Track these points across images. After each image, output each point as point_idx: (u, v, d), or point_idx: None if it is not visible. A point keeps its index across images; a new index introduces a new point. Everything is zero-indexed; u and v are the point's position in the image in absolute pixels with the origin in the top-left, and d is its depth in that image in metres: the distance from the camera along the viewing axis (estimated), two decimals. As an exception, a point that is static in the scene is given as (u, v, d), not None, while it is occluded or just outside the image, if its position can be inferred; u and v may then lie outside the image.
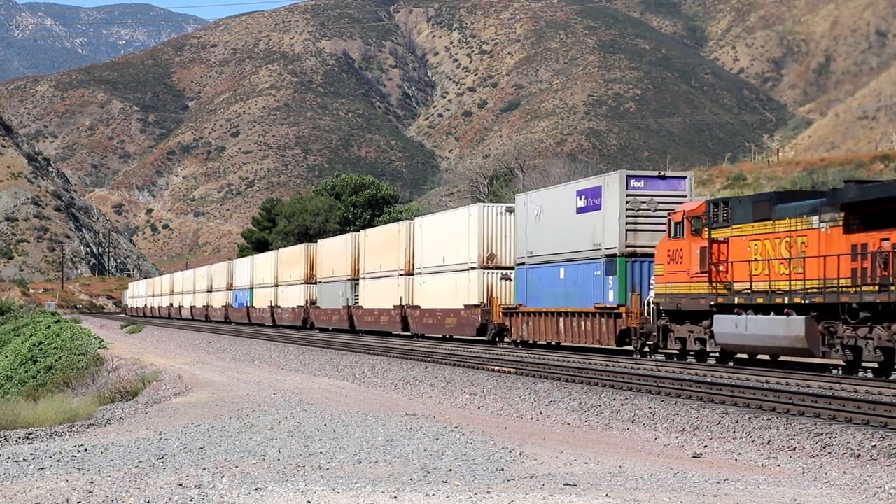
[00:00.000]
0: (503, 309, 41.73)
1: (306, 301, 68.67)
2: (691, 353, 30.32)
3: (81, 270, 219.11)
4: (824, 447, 15.54)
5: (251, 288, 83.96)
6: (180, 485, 12.11)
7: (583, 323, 35.59)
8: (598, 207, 35.16)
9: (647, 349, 32.40)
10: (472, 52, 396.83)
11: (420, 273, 49.99)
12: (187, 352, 49.25)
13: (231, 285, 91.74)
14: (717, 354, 29.03)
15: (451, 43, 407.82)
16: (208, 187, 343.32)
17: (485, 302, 42.90)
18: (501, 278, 42.87)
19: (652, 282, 32.07)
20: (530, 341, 39.95)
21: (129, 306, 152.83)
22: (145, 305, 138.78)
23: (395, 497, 11.24)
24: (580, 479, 12.69)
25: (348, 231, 78.94)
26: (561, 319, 36.96)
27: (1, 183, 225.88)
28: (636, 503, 11.10)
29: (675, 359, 30.69)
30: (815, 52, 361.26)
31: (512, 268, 42.08)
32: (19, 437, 19.67)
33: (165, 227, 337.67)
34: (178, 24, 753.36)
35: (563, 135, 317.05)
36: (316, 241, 72.03)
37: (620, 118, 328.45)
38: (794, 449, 15.82)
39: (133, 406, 26.22)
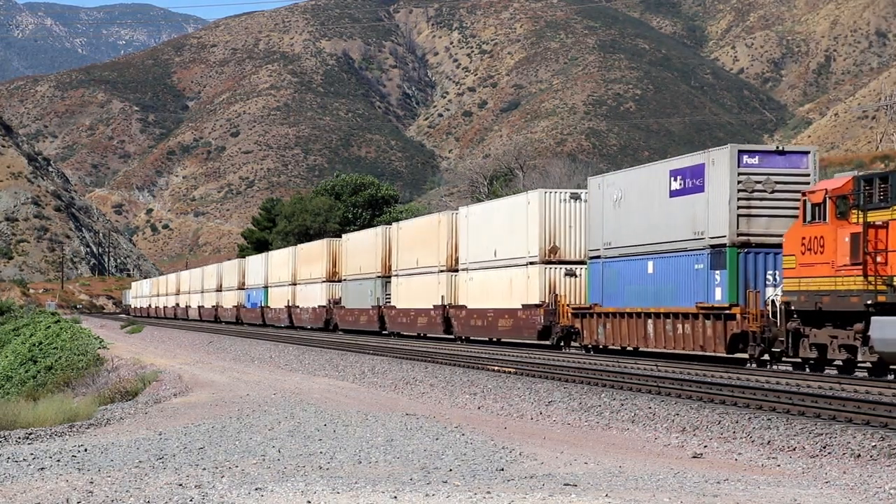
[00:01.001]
0: (573, 309, 36.78)
1: (329, 301, 63.97)
2: (833, 362, 25.57)
3: (81, 270, 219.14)
4: (824, 447, 15.54)
5: (265, 287, 79.37)
6: (180, 485, 12.11)
7: (679, 326, 30.36)
8: (699, 189, 30.08)
9: (767, 357, 27.72)
10: (472, 52, 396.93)
11: (466, 269, 45.17)
12: (187, 352, 49.25)
13: (243, 284, 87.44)
14: (871, 365, 24.53)
15: (451, 43, 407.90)
16: (208, 187, 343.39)
17: (548, 301, 37.97)
18: (566, 274, 38.15)
19: (770, 277, 28.05)
20: (608, 346, 34.90)
21: (133, 306, 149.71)
22: (149, 305, 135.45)
23: (395, 497, 11.24)
24: (580, 479, 12.69)
25: (350, 230, 78.89)
26: (650, 322, 31.85)
27: (1, 183, 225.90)
28: (636, 503, 11.10)
29: (808, 369, 25.93)
30: (815, 52, 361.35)
31: (577, 262, 37.85)
32: (19, 437, 19.67)
33: (165, 227, 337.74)
34: (178, 24, 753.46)
35: (563, 135, 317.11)
36: (340, 236, 67.30)
37: (620, 118, 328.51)
38: (794, 449, 15.82)
39: (133, 406, 26.22)
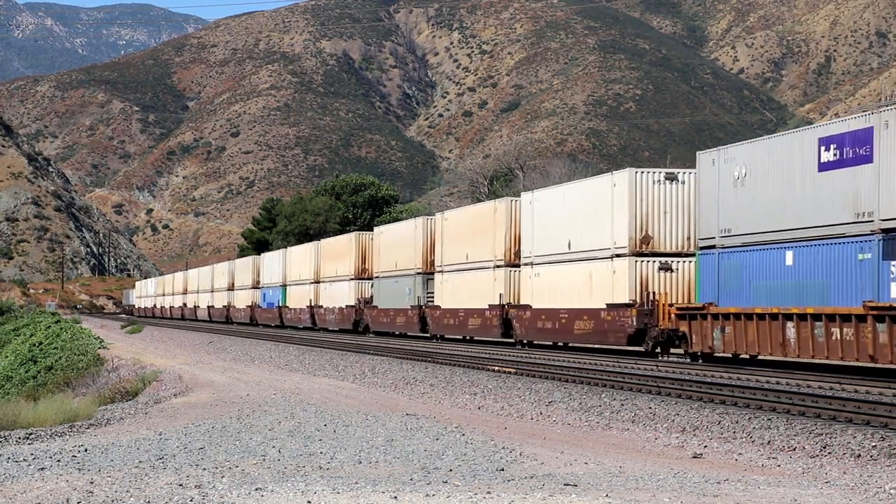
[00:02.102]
0: (677, 310, 31.04)
1: (358, 300, 58.79)
2: None
3: (81, 270, 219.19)
4: (824, 447, 15.54)
5: (283, 285, 74.41)
6: (180, 485, 12.11)
7: (836, 331, 24.57)
8: (864, 159, 24.62)
9: None
10: (472, 52, 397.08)
11: (530, 263, 39.66)
12: (187, 352, 49.25)
13: (258, 283, 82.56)
14: None
15: (452, 43, 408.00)
16: (208, 187, 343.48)
17: (641, 300, 32.66)
18: (660, 268, 32.84)
19: None
20: (727, 354, 29.22)
21: (136, 306, 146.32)
22: (154, 305, 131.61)
23: (396, 497, 11.25)
24: (580, 479, 12.69)
25: (350, 230, 78.74)
26: (789, 326, 26.05)
27: (1, 183, 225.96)
28: (636, 503, 11.10)
29: None
30: (816, 52, 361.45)
31: (673, 254, 32.89)
32: (19, 438, 19.67)
33: (165, 227, 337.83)
34: (179, 24, 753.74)
35: (563, 135, 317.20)
36: (371, 229, 62.52)
37: (620, 118, 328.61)
38: (795, 449, 15.83)
39: (133, 406, 26.22)
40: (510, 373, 28.46)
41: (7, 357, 54.49)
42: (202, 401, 24.57)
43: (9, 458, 14.81)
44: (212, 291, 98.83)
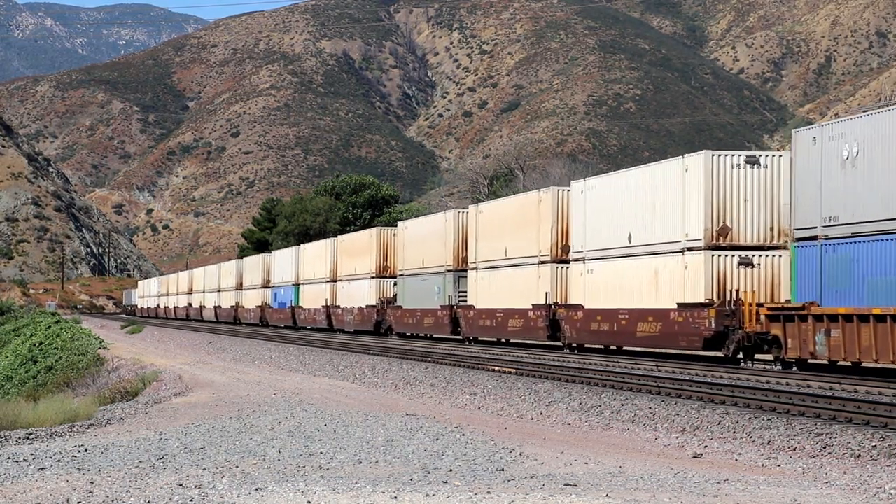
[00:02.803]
0: (768, 310, 27.46)
1: (380, 300, 55.37)
2: None
3: (81, 271, 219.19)
4: (824, 447, 15.55)
5: (297, 284, 70.97)
6: (180, 485, 12.11)
7: None
8: None
9: None
10: (473, 52, 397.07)
11: (581, 258, 36.06)
12: (187, 352, 49.25)
13: (268, 282, 79.03)
14: None
15: (452, 43, 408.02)
16: (208, 187, 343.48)
17: (720, 299, 29.15)
18: (740, 263, 29.39)
19: None
20: (832, 362, 25.49)
21: (139, 307, 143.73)
22: (157, 305, 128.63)
23: (396, 497, 11.24)
24: (580, 479, 12.69)
25: (350, 230, 78.47)
26: None
27: (1, 183, 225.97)
28: (636, 503, 11.10)
29: None
30: (816, 52, 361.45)
31: (754, 247, 29.41)
32: (20, 438, 19.67)
33: (165, 227, 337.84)
34: (179, 24, 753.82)
35: (563, 135, 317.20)
36: (395, 224, 58.79)
37: (620, 118, 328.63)
38: (795, 449, 15.83)
39: (133, 406, 26.21)
40: (510, 373, 28.46)
41: (7, 357, 54.50)
42: (202, 401, 24.56)
43: (9, 458, 14.81)
44: (218, 291, 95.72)
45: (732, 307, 28.72)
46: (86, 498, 11.43)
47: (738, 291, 28.93)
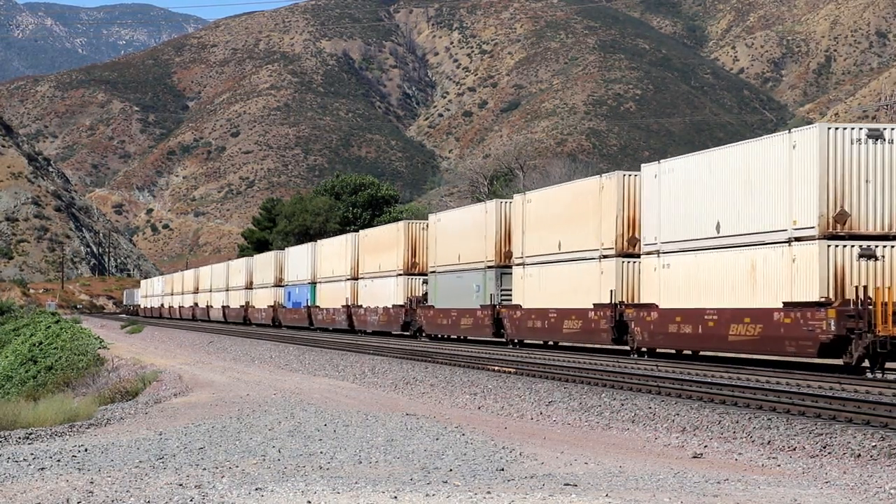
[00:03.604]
0: None
1: (409, 299, 51.59)
2: None
3: (81, 270, 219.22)
4: (824, 447, 15.55)
5: (313, 283, 67.41)
6: (180, 485, 12.11)
7: None
8: None
9: None
10: (473, 52, 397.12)
11: (655, 251, 31.90)
12: (187, 352, 49.24)
13: (281, 280, 75.56)
14: None
15: (452, 43, 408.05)
16: (208, 187, 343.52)
17: (840, 297, 25.11)
18: (861, 255, 25.37)
19: None
20: None
21: (142, 306, 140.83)
22: (162, 305, 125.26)
23: (396, 497, 11.24)
24: (580, 479, 12.69)
25: (350, 230, 78.26)
26: None
27: (1, 183, 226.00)
28: (636, 503, 11.10)
29: None
30: (816, 52, 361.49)
31: (879, 237, 25.50)
32: (19, 437, 19.66)
33: (165, 227, 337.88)
34: (179, 24, 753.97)
35: (563, 135, 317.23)
36: (427, 218, 54.02)
37: (620, 118, 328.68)
38: (795, 449, 15.83)
39: (133, 406, 26.21)
40: (510, 373, 28.46)
41: (7, 357, 54.49)
42: (202, 401, 24.56)
43: (9, 458, 14.81)
44: (227, 290, 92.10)
45: (860, 307, 24.36)
46: (86, 498, 11.43)
47: (865, 288, 24.65)
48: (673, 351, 33.02)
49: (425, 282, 50.74)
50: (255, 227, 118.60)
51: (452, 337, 48.89)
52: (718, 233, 29.17)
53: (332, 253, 64.58)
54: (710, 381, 23.78)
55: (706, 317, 29.10)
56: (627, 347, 33.47)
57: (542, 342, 41.03)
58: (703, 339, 29.59)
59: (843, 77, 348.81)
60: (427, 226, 51.62)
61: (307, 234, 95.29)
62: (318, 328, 66.08)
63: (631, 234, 33.88)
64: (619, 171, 35.46)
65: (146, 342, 61.46)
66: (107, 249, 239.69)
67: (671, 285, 31.20)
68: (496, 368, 29.61)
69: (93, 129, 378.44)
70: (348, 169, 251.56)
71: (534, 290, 39.29)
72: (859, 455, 14.86)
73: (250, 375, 32.60)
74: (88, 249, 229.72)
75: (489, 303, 42.68)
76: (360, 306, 58.18)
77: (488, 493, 11.48)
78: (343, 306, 60.64)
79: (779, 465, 14.64)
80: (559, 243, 37.62)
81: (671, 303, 30.99)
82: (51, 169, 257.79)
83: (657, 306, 31.60)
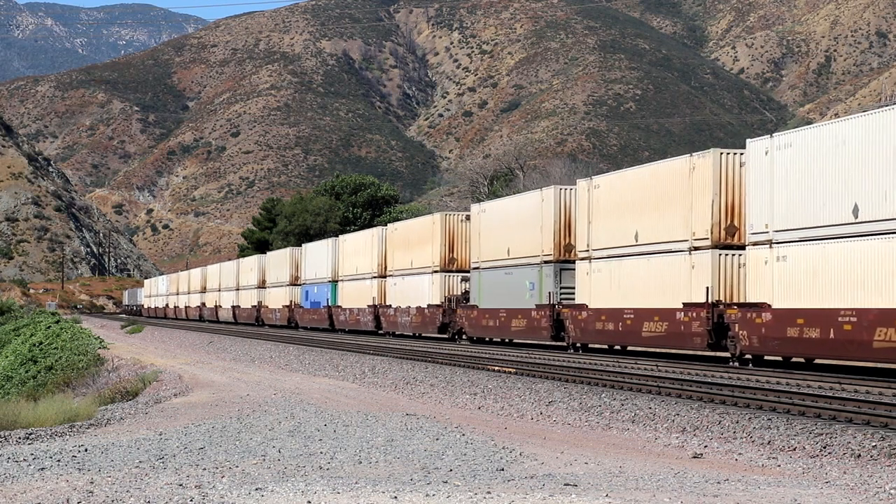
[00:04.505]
0: None
1: (447, 298, 47.50)
2: None
3: (82, 270, 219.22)
4: (824, 447, 15.55)
5: (333, 281, 63.27)
6: (180, 485, 12.11)
7: None
8: None
9: None
10: (473, 52, 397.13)
11: (766, 242, 27.30)
12: (187, 352, 49.25)
13: (297, 279, 71.59)
14: None
15: (452, 43, 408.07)
16: (208, 187, 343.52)
17: None
18: None
19: None
20: None
21: (146, 306, 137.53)
22: (166, 305, 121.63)
23: (396, 497, 11.24)
24: (580, 479, 12.69)
25: (350, 230, 78.03)
26: None
27: (1, 183, 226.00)
28: (636, 503, 11.10)
29: None
30: (816, 52, 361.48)
31: None
32: (19, 438, 19.66)
33: (166, 227, 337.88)
34: (179, 24, 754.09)
35: (563, 135, 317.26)
36: (469, 208, 49.38)
37: (620, 118, 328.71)
38: (795, 449, 15.83)
39: (133, 406, 26.20)
40: (510, 373, 28.46)
41: (7, 357, 54.49)
42: (202, 401, 24.56)
43: (9, 458, 14.81)
44: (237, 289, 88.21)
45: None
46: (86, 498, 11.43)
47: None
48: (797, 359, 28.82)
49: (464, 279, 47.05)
50: (255, 227, 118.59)
51: (499, 340, 44.77)
52: (856, 218, 24.57)
53: (356, 249, 60.31)
54: (710, 381, 23.79)
55: (841, 319, 24.43)
56: (727, 354, 29.29)
57: (612, 347, 36.86)
58: (836, 345, 24.76)
59: (843, 77, 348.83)
60: (466, 218, 47.49)
61: (307, 234, 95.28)
62: (339, 330, 62.41)
63: (729, 222, 29.61)
64: (714, 148, 30.82)
65: (146, 342, 61.46)
66: (107, 249, 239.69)
67: (789, 281, 26.59)
68: (496, 368, 29.61)
69: (93, 129, 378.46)
70: (348, 169, 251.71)
71: (603, 287, 34.93)
72: (859, 455, 14.86)
73: (250, 375, 32.60)
74: (88, 249, 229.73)
75: (547, 302, 38.16)
76: (389, 306, 54.13)
77: (488, 493, 11.47)
78: (369, 306, 56.64)
79: (779, 465, 14.64)
80: (636, 234, 33.17)
81: (789, 302, 26.45)
82: (51, 169, 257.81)
83: (769, 306, 26.98)
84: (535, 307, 39.01)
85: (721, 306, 29.15)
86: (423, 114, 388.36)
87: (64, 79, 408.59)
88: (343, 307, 61.28)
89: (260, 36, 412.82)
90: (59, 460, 14.52)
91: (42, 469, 13.70)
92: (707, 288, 29.45)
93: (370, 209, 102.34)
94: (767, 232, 27.35)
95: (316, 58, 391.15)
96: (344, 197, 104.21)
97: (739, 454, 15.71)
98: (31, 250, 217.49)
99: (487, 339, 45.24)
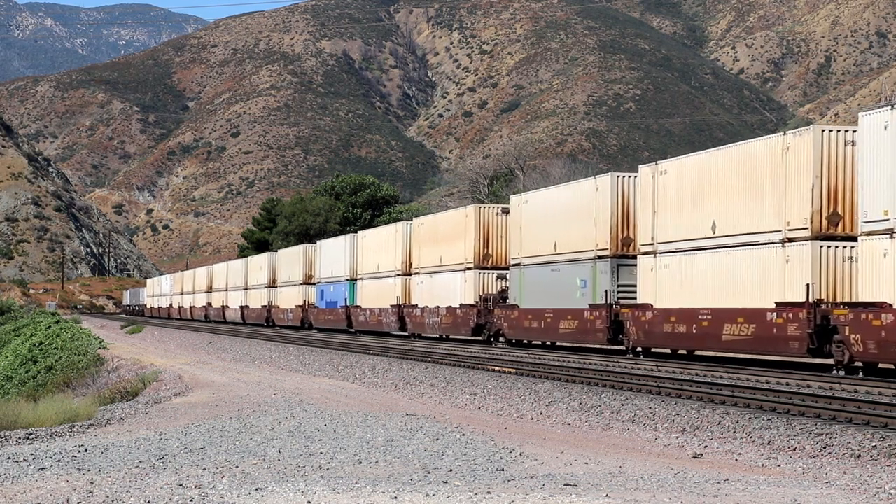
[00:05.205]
0: None
1: (483, 297, 44.04)
2: None
3: (81, 271, 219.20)
4: (824, 447, 15.55)
5: (352, 280, 60.25)
6: (180, 485, 12.11)
7: None
8: None
9: None
10: (473, 52, 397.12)
11: (887, 231, 23.63)
12: (187, 352, 49.25)
13: (311, 277, 68.71)
14: None
15: (452, 43, 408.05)
16: (208, 187, 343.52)
17: None
18: None
19: None
20: None
21: (149, 307, 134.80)
22: (170, 305, 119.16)
23: (396, 497, 11.24)
24: (580, 479, 12.69)
25: (350, 230, 77.93)
26: None
27: (1, 183, 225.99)
28: (636, 503, 11.10)
29: None
30: (816, 52, 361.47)
31: None
32: (20, 438, 19.66)
33: (166, 227, 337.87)
34: (179, 24, 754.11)
35: (563, 135, 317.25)
36: (511, 199, 44.02)
37: (620, 118, 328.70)
38: (795, 449, 15.83)
39: (133, 406, 26.20)
40: (510, 373, 28.45)
41: (7, 357, 54.50)
42: (202, 401, 24.56)
43: (9, 458, 14.81)
44: (245, 289, 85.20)
45: None
46: (86, 498, 11.43)
47: None
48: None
49: (500, 277, 43.89)
50: (255, 227, 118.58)
51: (539, 343, 41.34)
52: None
53: (377, 245, 56.87)
54: (709, 381, 23.78)
55: None
56: (830, 361, 25.81)
57: (684, 351, 33.11)
58: None
59: (843, 77, 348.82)
60: (503, 211, 44.38)
61: (307, 235, 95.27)
62: (358, 331, 59.33)
63: (832, 210, 25.99)
64: (813, 125, 27.65)
65: (146, 342, 61.46)
66: (107, 249, 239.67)
67: None
68: (496, 369, 29.60)
69: (93, 129, 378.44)
70: (348, 169, 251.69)
71: (672, 285, 31.10)
72: (859, 455, 14.86)
73: (250, 375, 32.59)
74: (88, 250, 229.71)
75: (603, 301, 34.42)
76: (415, 306, 50.77)
77: (488, 493, 11.47)
78: (392, 306, 53.31)
79: (779, 465, 14.64)
80: (713, 225, 29.47)
81: None
82: (51, 169, 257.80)
83: (890, 306, 23.18)
84: (588, 307, 35.32)
85: (825, 306, 25.37)
86: (423, 114, 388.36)
87: (64, 79, 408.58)
88: (363, 307, 58.12)
89: (260, 36, 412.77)
90: (59, 460, 14.52)
91: (42, 469, 13.70)
92: (807, 286, 25.64)
93: (370, 209, 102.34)
94: (888, 220, 23.44)
95: (316, 58, 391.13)
96: (344, 197, 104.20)
97: (739, 454, 15.71)
98: (31, 250, 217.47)
99: (526, 341, 41.67)
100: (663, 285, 31.54)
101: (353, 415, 19.91)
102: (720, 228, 29.25)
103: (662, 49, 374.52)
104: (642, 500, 11.23)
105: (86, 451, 15.55)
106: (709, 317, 29.12)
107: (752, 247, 28.00)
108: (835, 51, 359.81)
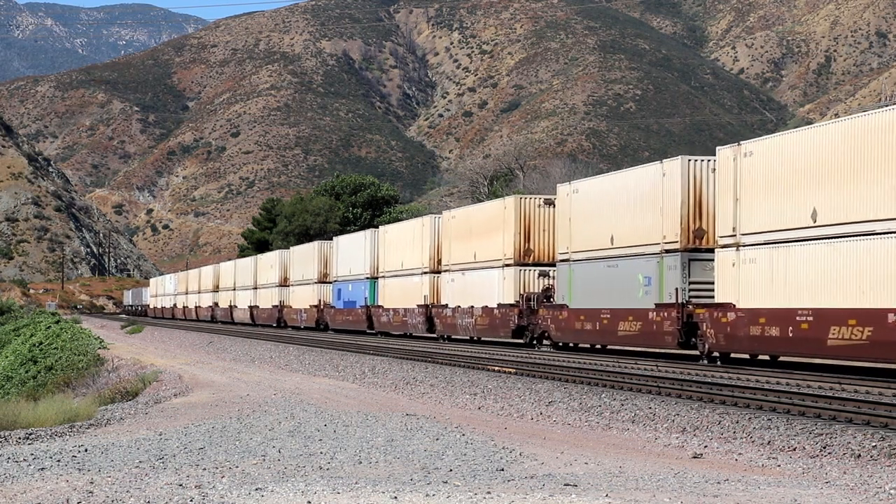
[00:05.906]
0: None
1: (524, 296, 40.19)
2: None
3: (81, 271, 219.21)
4: (824, 447, 15.54)
5: (373, 278, 56.66)
6: (180, 485, 12.11)
7: None
8: None
9: None
10: (473, 52, 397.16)
11: None
12: (187, 352, 49.25)
13: (326, 276, 65.21)
14: None
15: (452, 43, 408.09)
16: (208, 187, 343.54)
17: None
18: None
19: None
20: None
21: (152, 307, 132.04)
22: (174, 305, 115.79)
23: (396, 497, 11.24)
24: (580, 479, 12.68)
25: (350, 230, 77.78)
26: None
27: (1, 183, 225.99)
28: (636, 503, 11.10)
29: None
30: (816, 52, 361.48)
31: None
32: (19, 438, 19.66)
33: (166, 227, 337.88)
34: (179, 24, 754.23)
35: (563, 135, 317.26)
36: (558, 188, 39.60)
37: (620, 118, 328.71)
38: (795, 449, 15.83)
39: (133, 406, 26.20)
40: (510, 373, 28.45)
41: (7, 357, 54.50)
42: (202, 401, 24.56)
43: (9, 458, 14.81)
44: (255, 288, 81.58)
45: None
46: (86, 498, 11.43)
47: None
48: None
49: (542, 274, 40.09)
50: (255, 227, 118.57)
51: (589, 347, 37.97)
52: None
53: (402, 241, 53.08)
54: (709, 381, 23.78)
55: None
56: None
57: (775, 356, 29.41)
58: None
59: (843, 77, 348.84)
60: (545, 202, 41.11)
61: (307, 235, 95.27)
62: (380, 333, 55.74)
63: None
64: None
65: (146, 342, 61.46)
66: (107, 250, 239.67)
67: None
68: (496, 368, 29.60)
69: (93, 129, 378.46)
70: (348, 169, 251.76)
71: (760, 281, 27.01)
72: (859, 455, 14.86)
73: (250, 376, 32.59)
74: (88, 250, 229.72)
75: (673, 300, 30.34)
76: (445, 306, 46.99)
77: (488, 493, 11.47)
78: (419, 306, 49.61)
79: (779, 465, 14.64)
80: (813, 212, 25.21)
81: None
82: (51, 169, 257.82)
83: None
84: (653, 307, 31.28)
85: None
86: (423, 114, 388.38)
87: (64, 79, 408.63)
88: (385, 307, 54.30)
89: (260, 36, 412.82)
90: (59, 460, 14.52)
91: (42, 469, 13.70)
92: None
93: (370, 209, 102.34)
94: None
95: (316, 58, 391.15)
96: (344, 197, 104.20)
97: (739, 454, 15.71)
98: (31, 250, 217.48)
99: (573, 344, 37.98)
100: (748, 282, 27.46)
101: (353, 415, 19.91)
102: (823, 216, 24.99)
103: (662, 49, 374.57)
104: (642, 500, 11.23)
105: (86, 451, 15.55)
106: (810, 318, 24.97)
107: (866, 237, 23.69)
108: (835, 51, 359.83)
